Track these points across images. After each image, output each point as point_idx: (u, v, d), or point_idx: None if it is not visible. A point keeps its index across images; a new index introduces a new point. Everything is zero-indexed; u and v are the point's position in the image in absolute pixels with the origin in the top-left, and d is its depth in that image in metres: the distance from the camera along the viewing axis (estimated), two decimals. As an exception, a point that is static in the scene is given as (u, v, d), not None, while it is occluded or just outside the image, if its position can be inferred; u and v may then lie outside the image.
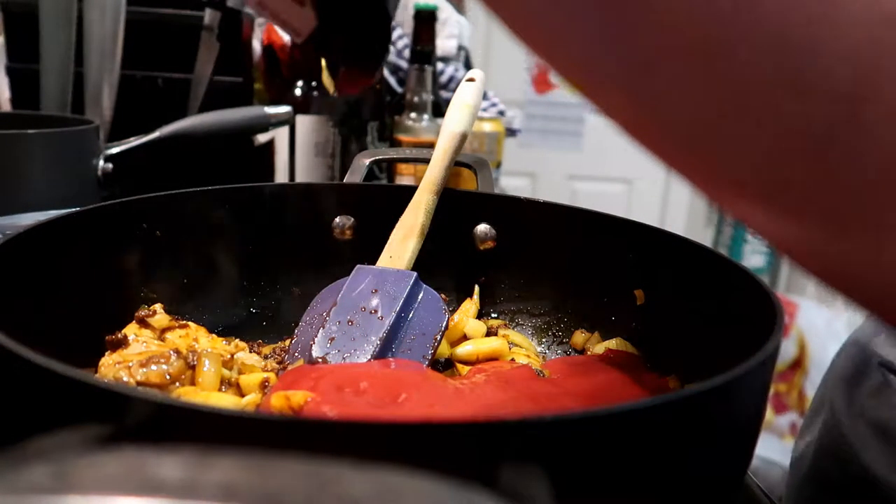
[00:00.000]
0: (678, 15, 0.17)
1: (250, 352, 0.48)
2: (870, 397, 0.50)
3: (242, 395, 0.42)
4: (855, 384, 0.51)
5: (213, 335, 0.47)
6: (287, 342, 0.50)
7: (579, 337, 0.53)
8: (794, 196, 0.19)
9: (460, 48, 1.37)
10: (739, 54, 0.17)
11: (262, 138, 1.04)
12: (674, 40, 0.18)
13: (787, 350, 1.82)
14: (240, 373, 0.44)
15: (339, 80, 0.37)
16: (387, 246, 0.52)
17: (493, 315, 0.56)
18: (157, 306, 0.46)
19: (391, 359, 0.45)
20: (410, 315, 0.47)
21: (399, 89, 1.26)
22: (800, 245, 0.21)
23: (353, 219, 0.56)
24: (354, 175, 0.58)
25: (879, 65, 0.16)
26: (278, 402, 0.35)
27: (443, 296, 0.50)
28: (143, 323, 0.45)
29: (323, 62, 0.79)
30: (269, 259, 0.55)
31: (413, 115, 1.11)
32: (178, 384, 0.41)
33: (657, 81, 0.19)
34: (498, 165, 1.22)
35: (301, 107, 1.04)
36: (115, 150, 0.82)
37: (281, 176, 1.07)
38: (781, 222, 0.21)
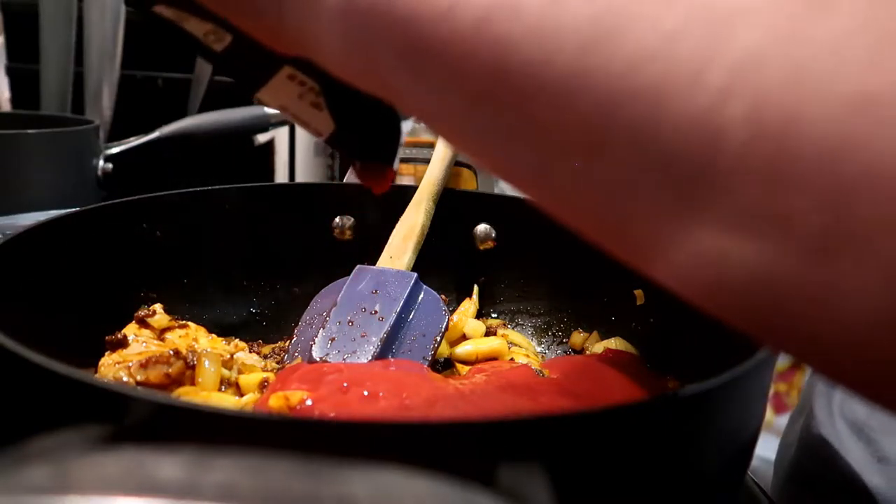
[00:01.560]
0: (561, 118, 0.21)
1: (250, 352, 0.48)
2: (846, 397, 0.50)
3: (242, 395, 0.42)
4: (832, 386, 0.52)
5: (213, 335, 0.47)
6: (287, 342, 0.50)
7: (578, 337, 0.53)
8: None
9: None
10: (616, 153, 0.20)
11: (262, 138, 1.05)
12: (561, 139, 0.21)
13: (788, 350, 1.81)
14: (239, 373, 0.44)
15: (359, 174, 0.39)
16: (387, 246, 0.52)
17: (492, 315, 0.56)
18: (157, 306, 0.46)
19: (391, 359, 0.45)
20: (411, 316, 0.47)
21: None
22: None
23: (353, 219, 0.56)
24: (354, 175, 0.58)
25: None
26: (276, 402, 0.35)
27: (443, 296, 0.50)
28: (143, 323, 0.45)
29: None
30: (269, 259, 0.55)
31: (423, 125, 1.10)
32: (178, 384, 0.41)
33: (553, 171, 0.22)
34: (498, 165, 1.22)
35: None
36: (115, 150, 0.82)
37: (281, 176, 1.07)
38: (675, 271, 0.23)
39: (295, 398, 0.35)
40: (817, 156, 0.17)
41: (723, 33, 0.19)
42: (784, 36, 0.18)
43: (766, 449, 0.58)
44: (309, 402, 0.35)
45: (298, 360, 0.45)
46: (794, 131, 0.18)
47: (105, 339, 0.43)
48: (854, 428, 0.48)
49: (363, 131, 0.36)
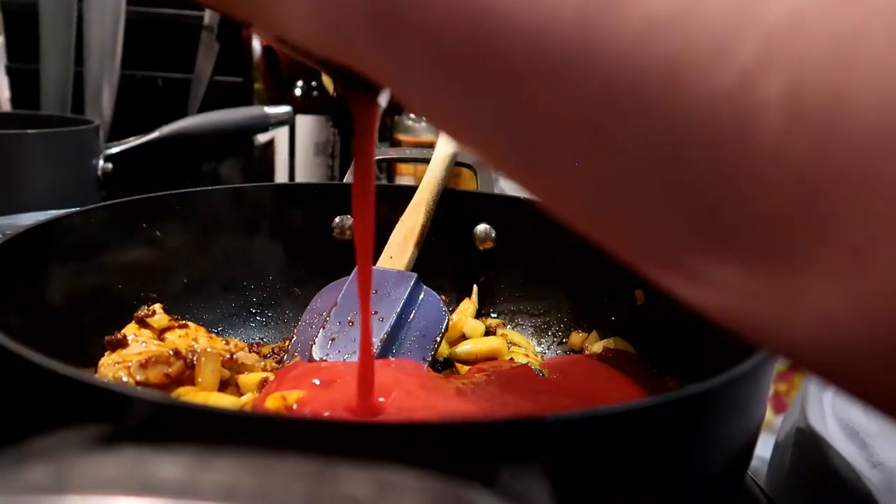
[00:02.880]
0: (557, 100, 0.18)
1: (250, 352, 0.48)
2: (838, 401, 0.50)
3: (241, 395, 0.42)
4: (825, 387, 0.51)
5: (213, 335, 0.47)
6: (287, 342, 0.50)
7: (576, 337, 0.53)
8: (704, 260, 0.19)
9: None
10: (619, 143, 0.17)
11: (262, 138, 1.05)
12: (557, 125, 0.18)
13: (787, 350, 1.81)
14: (239, 372, 0.44)
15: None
16: (387, 246, 0.52)
17: (492, 315, 0.56)
18: (157, 306, 0.46)
19: (391, 358, 0.45)
20: (411, 316, 0.47)
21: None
22: (726, 309, 0.20)
23: (353, 219, 0.56)
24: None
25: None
26: (273, 402, 0.35)
27: (442, 297, 0.50)
28: (143, 323, 0.45)
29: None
30: (269, 259, 0.55)
31: (413, 115, 1.11)
32: (177, 384, 0.41)
33: (548, 163, 0.19)
34: (498, 165, 1.22)
35: (301, 107, 1.04)
36: (115, 150, 0.82)
37: (281, 176, 1.07)
38: (697, 287, 0.20)
39: (292, 398, 0.35)
40: (869, 150, 0.14)
41: None
42: None
43: (766, 449, 0.58)
44: (306, 402, 0.35)
45: (297, 360, 0.45)
46: (841, 115, 0.14)
47: (105, 339, 0.43)
48: (847, 430, 0.48)
49: None
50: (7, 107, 0.94)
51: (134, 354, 0.42)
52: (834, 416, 0.49)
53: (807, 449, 0.52)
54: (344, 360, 0.44)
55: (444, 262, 0.55)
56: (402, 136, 1.11)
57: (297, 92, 1.08)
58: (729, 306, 0.19)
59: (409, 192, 0.54)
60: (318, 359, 0.44)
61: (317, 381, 0.38)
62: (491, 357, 0.49)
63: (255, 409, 0.38)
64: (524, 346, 0.52)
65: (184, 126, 0.85)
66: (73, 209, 0.46)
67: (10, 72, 0.95)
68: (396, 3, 0.19)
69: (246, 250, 0.54)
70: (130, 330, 0.44)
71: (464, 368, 0.48)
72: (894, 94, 0.14)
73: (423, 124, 1.10)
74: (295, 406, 0.35)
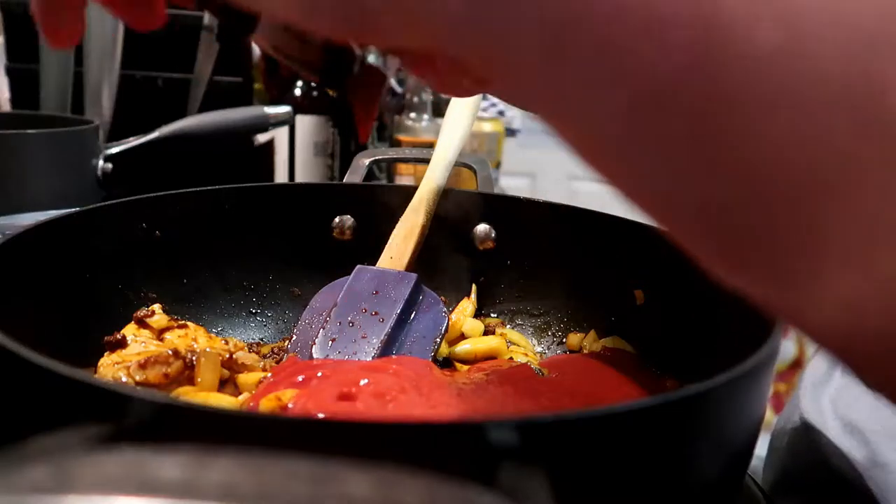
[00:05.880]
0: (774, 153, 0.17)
1: (249, 351, 0.48)
2: (839, 397, 0.50)
3: (239, 395, 0.42)
4: (824, 384, 0.51)
5: (212, 335, 0.47)
6: (286, 342, 0.50)
7: (575, 338, 0.53)
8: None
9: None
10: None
11: (261, 138, 1.04)
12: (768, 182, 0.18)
13: (787, 350, 1.82)
14: (238, 372, 0.44)
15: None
16: (387, 246, 0.52)
17: (492, 315, 0.56)
18: (156, 306, 0.46)
19: (394, 356, 0.45)
20: (411, 317, 0.47)
21: (399, 89, 1.26)
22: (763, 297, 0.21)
23: (352, 219, 0.56)
24: (354, 175, 0.58)
25: None
26: (268, 404, 0.35)
27: (443, 297, 0.50)
28: (142, 323, 0.45)
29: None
30: (269, 259, 0.55)
31: (413, 115, 1.11)
32: (177, 384, 0.41)
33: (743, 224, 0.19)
34: (498, 165, 1.23)
35: (301, 107, 1.04)
36: (115, 150, 0.82)
37: (281, 176, 1.07)
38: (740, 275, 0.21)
39: (286, 397, 0.35)
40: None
41: None
42: None
43: (766, 449, 0.58)
44: (304, 402, 0.35)
45: (291, 357, 0.45)
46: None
47: (104, 339, 0.43)
48: (849, 428, 0.48)
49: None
50: (7, 107, 0.94)
51: (133, 355, 0.42)
52: (835, 413, 0.49)
53: (804, 446, 0.51)
54: (344, 360, 0.44)
55: (444, 262, 0.55)
56: (402, 136, 1.11)
57: (297, 92, 1.08)
58: (757, 291, 0.20)
59: (409, 192, 0.54)
60: (318, 359, 0.44)
61: (314, 378, 0.38)
62: (490, 356, 0.49)
63: (250, 406, 0.38)
64: (523, 345, 0.52)
65: (184, 126, 0.85)
66: (73, 209, 0.46)
67: (10, 72, 0.95)
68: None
69: (246, 250, 0.54)
70: (130, 330, 0.44)
71: (463, 368, 0.48)
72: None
73: (424, 124, 1.10)
74: (290, 405, 0.35)
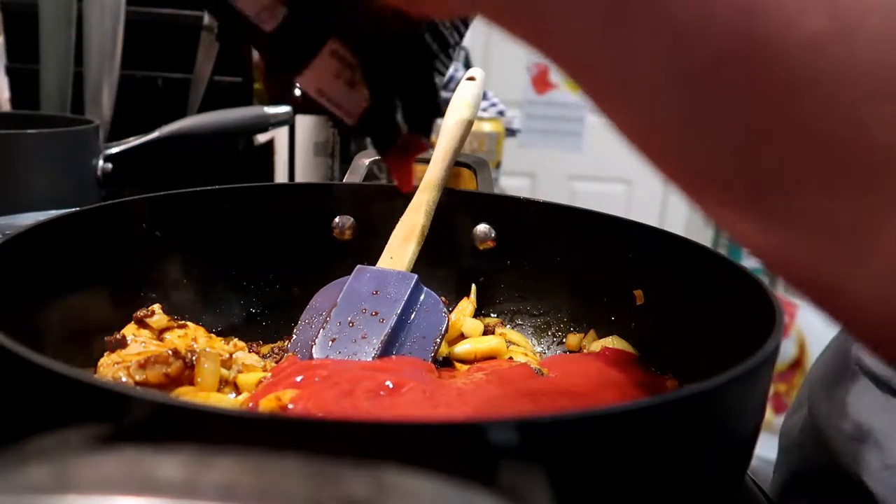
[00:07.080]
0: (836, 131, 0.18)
1: (249, 352, 0.48)
2: (850, 399, 0.49)
3: (239, 395, 0.42)
4: (834, 385, 0.51)
5: (212, 335, 0.47)
6: (286, 342, 0.50)
7: (574, 338, 0.53)
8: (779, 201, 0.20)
9: (460, 48, 1.37)
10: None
11: (262, 138, 1.04)
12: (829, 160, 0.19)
13: (787, 350, 1.82)
14: (239, 372, 0.44)
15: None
16: (387, 247, 0.52)
17: (492, 315, 0.56)
18: (156, 307, 0.46)
19: (394, 357, 0.45)
20: (411, 318, 0.47)
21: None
22: (784, 256, 0.21)
23: (352, 219, 0.56)
24: (354, 175, 0.58)
25: None
26: (268, 404, 0.35)
27: (443, 297, 0.50)
28: (142, 323, 0.45)
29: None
30: (269, 259, 0.55)
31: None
32: (177, 384, 0.41)
33: (793, 205, 0.20)
34: (498, 165, 1.22)
35: (301, 107, 1.04)
36: (114, 150, 0.82)
37: (281, 176, 1.07)
38: (766, 232, 0.21)
39: (286, 397, 0.35)
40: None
41: None
42: None
43: (766, 449, 0.58)
44: (304, 402, 0.35)
45: (290, 356, 0.45)
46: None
47: (104, 339, 0.43)
48: (859, 431, 0.47)
49: (400, 101, 0.35)
50: (7, 107, 0.94)
51: (133, 355, 0.42)
52: (844, 415, 0.49)
53: (812, 448, 0.51)
54: (344, 360, 0.44)
55: (444, 262, 0.55)
56: (401, 136, 1.11)
57: (297, 92, 1.08)
58: (799, 257, 0.20)
59: (410, 192, 0.54)
60: (318, 359, 0.44)
61: (314, 378, 0.38)
62: (490, 356, 0.49)
63: (250, 405, 0.38)
64: (522, 345, 0.52)
65: (184, 126, 0.85)
66: (73, 209, 0.46)
67: (10, 72, 0.95)
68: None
69: (246, 250, 0.54)
70: (130, 330, 0.44)
71: (463, 368, 0.48)
72: None
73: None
74: (290, 405, 0.35)
